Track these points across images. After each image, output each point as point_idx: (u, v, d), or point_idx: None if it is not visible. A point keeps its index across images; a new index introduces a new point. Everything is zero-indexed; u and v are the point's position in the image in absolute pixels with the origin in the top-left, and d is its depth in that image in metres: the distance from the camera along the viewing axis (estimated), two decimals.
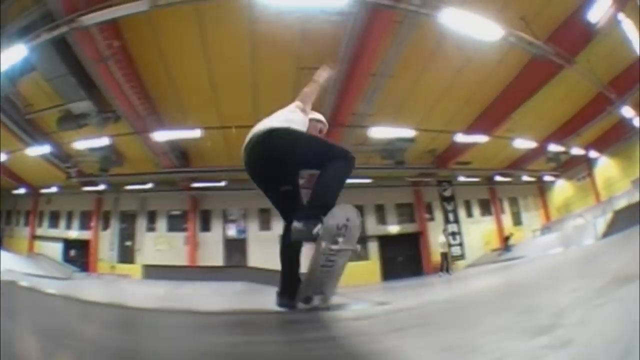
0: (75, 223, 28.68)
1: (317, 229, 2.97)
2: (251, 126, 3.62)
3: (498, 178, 33.60)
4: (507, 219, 34.89)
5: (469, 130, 23.78)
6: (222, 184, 25.34)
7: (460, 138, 24.05)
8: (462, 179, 31.68)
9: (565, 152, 31.61)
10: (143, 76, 16.22)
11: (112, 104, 16.28)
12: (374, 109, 18.47)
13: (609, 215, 20.82)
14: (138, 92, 16.17)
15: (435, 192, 32.19)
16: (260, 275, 16.94)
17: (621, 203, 23.75)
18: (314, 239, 2.99)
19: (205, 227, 27.75)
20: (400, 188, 30.32)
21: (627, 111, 27.26)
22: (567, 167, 35.84)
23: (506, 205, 36.03)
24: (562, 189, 37.84)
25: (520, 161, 32.16)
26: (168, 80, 16.65)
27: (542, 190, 39.14)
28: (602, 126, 30.09)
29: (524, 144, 27.24)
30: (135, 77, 15.60)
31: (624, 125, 29.62)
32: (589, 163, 35.54)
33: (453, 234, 31.16)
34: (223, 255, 26.95)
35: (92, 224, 27.46)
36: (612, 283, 2.28)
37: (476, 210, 34.44)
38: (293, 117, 3.61)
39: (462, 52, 16.93)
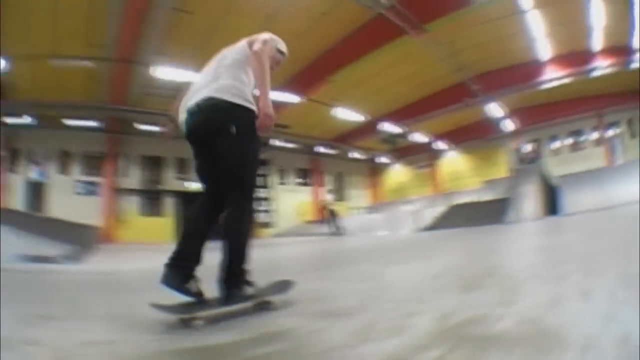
0: None
1: (250, 291, 2.77)
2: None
3: (321, 149, 31.08)
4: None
5: (279, 87, 20.11)
6: (28, 120, 21.45)
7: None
8: (278, 143, 28.05)
9: (402, 136, 28.47)
10: None
11: None
12: (164, 47, 16.28)
13: (440, 208, 19.89)
14: None
15: None
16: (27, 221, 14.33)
17: (462, 199, 22.98)
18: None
19: (13, 168, 23.31)
20: None
21: (495, 110, 24.81)
22: (407, 152, 33.63)
23: (329, 179, 33.84)
24: (397, 173, 36.16)
25: (350, 136, 29.63)
26: None
27: (374, 170, 36.93)
28: (458, 120, 27.64)
29: (351, 116, 24.67)
30: None
31: (488, 124, 27.78)
32: (434, 153, 33.67)
33: (261, 199, 28.02)
34: (22, 199, 22.64)
35: None
36: None
37: (291, 179, 31.57)
38: (243, 74, 2.91)
39: None
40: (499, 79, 21.94)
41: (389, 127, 25.99)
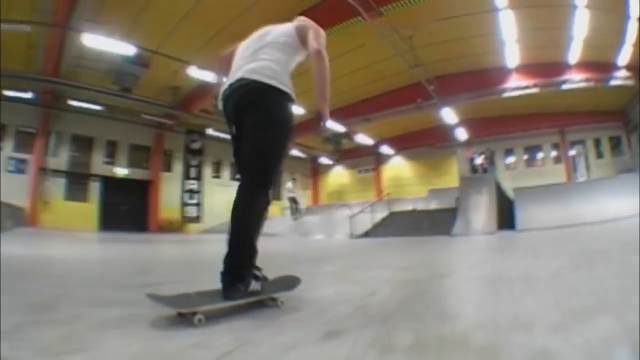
0: None
1: (255, 286, 2.54)
2: None
3: None
4: None
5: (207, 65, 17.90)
6: None
7: (204, 75, 18.02)
8: (214, 132, 25.36)
9: (347, 136, 26.76)
10: None
11: None
12: (100, 16, 14.81)
13: (382, 214, 18.30)
14: None
15: (181, 140, 26.27)
16: None
17: (406, 206, 21.81)
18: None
19: None
20: (140, 127, 24.52)
21: (449, 117, 23.28)
22: (351, 154, 31.71)
23: None
24: (339, 175, 34.36)
25: None
26: None
27: (315, 170, 35.06)
28: (408, 124, 26.52)
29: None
30: None
31: (441, 131, 26.67)
32: (379, 157, 32.26)
33: (191, 192, 26.34)
34: None
35: None
36: None
37: (226, 173, 28.87)
38: (284, 57, 2.82)
39: None
40: (459, 83, 20.66)
41: (333, 125, 23.93)
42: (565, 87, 20.07)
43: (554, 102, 23.54)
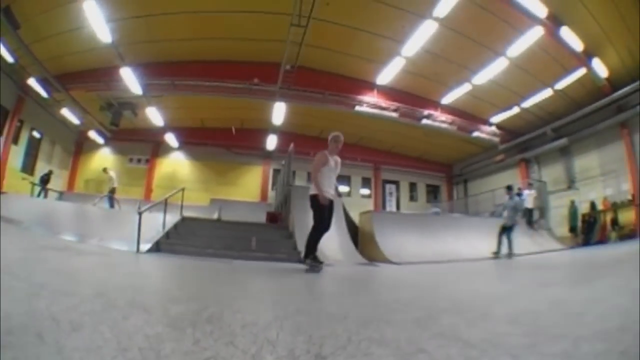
0: None
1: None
2: None
3: (34, 83, 18.82)
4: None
5: None
6: None
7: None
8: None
9: (133, 107, 21.52)
10: None
11: None
12: None
13: (168, 218, 12.55)
14: None
15: None
16: None
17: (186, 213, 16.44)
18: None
19: None
20: None
21: (277, 112, 20.66)
22: (126, 136, 25.87)
23: (24, 137, 21.44)
24: (103, 160, 26.58)
25: (77, 78, 19.29)
26: None
27: (80, 147, 26.96)
28: (212, 116, 24.09)
29: (100, 34, 15.45)
30: None
31: (248, 135, 25.56)
32: (158, 148, 27.29)
33: None
34: None
35: None
36: None
37: None
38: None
39: None
40: (315, 81, 18.57)
41: (130, 79, 17.97)
42: (424, 122, 19.75)
43: (380, 138, 23.26)
